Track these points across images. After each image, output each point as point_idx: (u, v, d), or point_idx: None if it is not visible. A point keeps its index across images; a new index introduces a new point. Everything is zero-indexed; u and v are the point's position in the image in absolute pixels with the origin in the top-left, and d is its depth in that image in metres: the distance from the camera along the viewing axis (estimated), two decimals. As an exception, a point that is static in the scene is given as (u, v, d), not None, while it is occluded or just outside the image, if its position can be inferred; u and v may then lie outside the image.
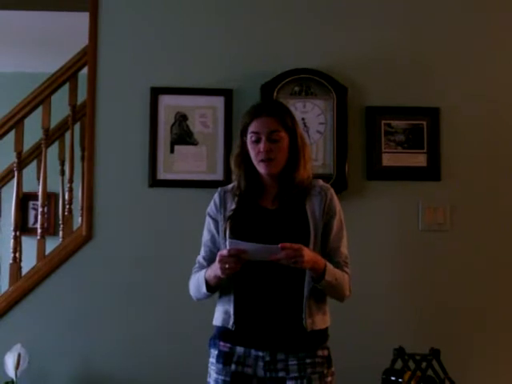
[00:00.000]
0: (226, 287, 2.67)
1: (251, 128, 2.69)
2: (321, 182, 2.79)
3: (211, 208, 2.79)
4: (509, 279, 3.95)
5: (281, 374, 2.61)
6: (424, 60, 4.02)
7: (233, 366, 2.62)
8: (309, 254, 2.51)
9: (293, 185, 2.68)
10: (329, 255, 2.68)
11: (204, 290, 2.68)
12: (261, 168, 2.68)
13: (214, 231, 2.76)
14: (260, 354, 2.61)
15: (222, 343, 2.66)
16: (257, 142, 2.67)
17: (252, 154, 2.70)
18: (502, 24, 4.07)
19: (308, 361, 2.62)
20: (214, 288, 2.68)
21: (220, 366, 2.65)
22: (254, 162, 2.70)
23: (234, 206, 2.71)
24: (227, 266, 2.50)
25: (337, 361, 2.72)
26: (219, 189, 2.82)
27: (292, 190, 2.68)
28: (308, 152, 2.76)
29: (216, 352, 2.68)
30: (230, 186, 2.82)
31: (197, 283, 2.73)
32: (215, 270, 2.57)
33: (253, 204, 2.71)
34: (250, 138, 2.70)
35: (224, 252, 2.51)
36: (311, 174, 2.77)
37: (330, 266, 2.61)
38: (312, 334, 2.63)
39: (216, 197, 2.79)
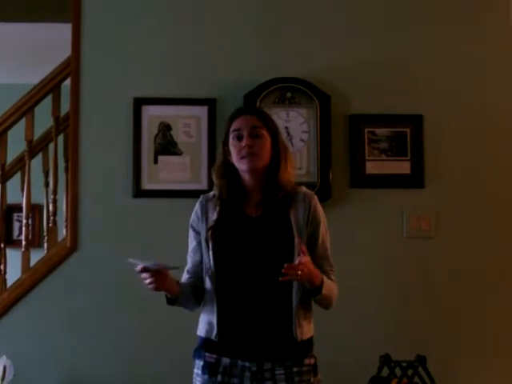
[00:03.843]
0: (209, 297, 2.64)
1: (233, 127, 2.64)
2: (304, 188, 2.74)
3: (193, 219, 2.74)
4: (495, 286, 3.96)
5: (268, 384, 2.59)
6: (407, 67, 4.04)
7: (219, 377, 2.58)
8: (310, 268, 2.48)
9: (277, 188, 2.63)
10: (317, 263, 2.62)
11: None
12: (243, 164, 2.61)
13: (195, 243, 2.72)
14: (247, 364, 2.57)
15: (207, 354, 2.62)
16: (239, 139, 2.62)
17: (234, 152, 2.63)
18: (486, 30, 4.09)
19: (295, 369, 2.59)
20: (176, 300, 2.64)
21: (206, 376, 2.61)
22: (236, 160, 2.63)
23: (216, 216, 2.66)
24: (147, 281, 2.53)
25: (322, 369, 2.71)
26: (201, 197, 2.76)
27: (276, 195, 2.63)
28: (290, 157, 2.71)
29: (201, 363, 2.64)
30: (212, 193, 2.75)
31: None
32: None
33: (236, 212, 2.66)
34: (231, 137, 2.64)
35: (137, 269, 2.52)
36: (293, 179, 2.72)
37: (326, 280, 2.58)
38: (300, 343, 2.60)
39: (198, 207, 2.73)
